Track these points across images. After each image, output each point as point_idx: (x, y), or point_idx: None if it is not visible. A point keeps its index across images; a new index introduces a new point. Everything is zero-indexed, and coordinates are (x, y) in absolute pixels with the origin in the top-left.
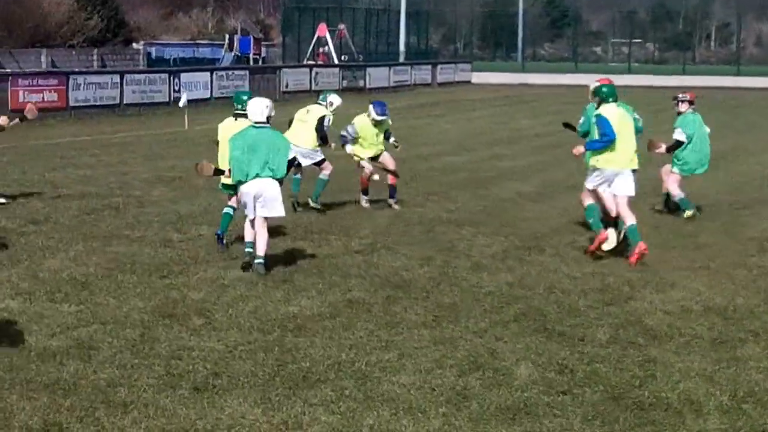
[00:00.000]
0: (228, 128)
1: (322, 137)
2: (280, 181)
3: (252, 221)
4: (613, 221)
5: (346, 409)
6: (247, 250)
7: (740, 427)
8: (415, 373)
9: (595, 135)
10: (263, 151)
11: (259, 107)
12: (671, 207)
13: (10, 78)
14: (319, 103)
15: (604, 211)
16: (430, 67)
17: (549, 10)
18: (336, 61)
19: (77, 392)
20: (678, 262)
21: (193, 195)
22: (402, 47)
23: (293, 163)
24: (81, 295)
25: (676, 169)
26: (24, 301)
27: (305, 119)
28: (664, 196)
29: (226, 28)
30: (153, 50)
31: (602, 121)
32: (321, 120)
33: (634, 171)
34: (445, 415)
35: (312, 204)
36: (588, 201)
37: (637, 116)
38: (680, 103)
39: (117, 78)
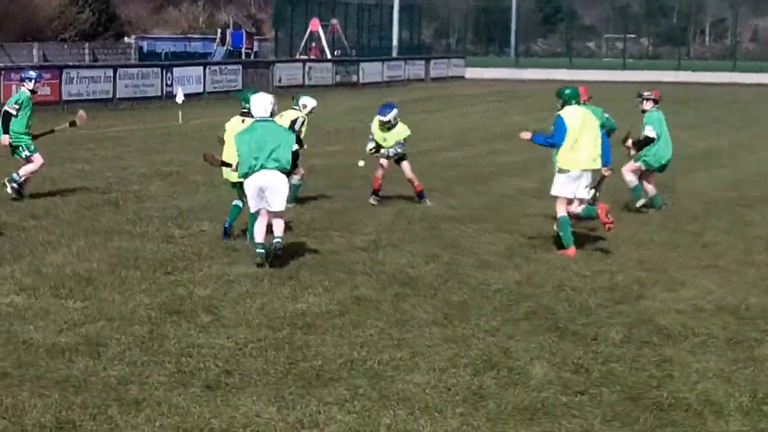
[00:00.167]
0: (235, 128)
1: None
2: (288, 174)
3: (260, 216)
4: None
5: (362, 408)
6: (258, 251)
7: (762, 429)
8: (428, 372)
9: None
10: (269, 145)
11: (262, 103)
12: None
13: (2, 72)
14: (294, 108)
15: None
16: (423, 62)
17: (542, 5)
18: (329, 56)
19: (88, 389)
20: (685, 260)
21: (193, 190)
22: (395, 42)
23: (298, 156)
24: (86, 291)
25: (641, 163)
26: (29, 296)
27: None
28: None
29: (217, 22)
30: (145, 44)
31: (557, 122)
32: (293, 123)
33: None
34: (462, 414)
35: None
36: (561, 212)
37: (608, 116)
38: (645, 101)
39: (110, 72)
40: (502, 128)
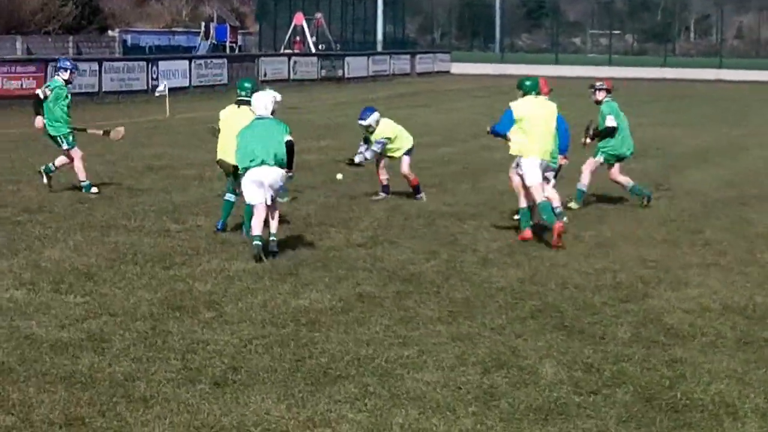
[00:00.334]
0: (230, 114)
1: None
2: (288, 168)
3: (256, 211)
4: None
5: (373, 407)
6: (255, 243)
7: None
8: (437, 370)
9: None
10: (270, 142)
11: (263, 102)
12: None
13: None
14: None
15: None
16: (408, 57)
17: (525, 0)
18: (314, 51)
19: (95, 385)
20: (688, 259)
21: (185, 185)
22: (380, 36)
23: (293, 147)
24: (86, 286)
25: (601, 157)
26: (28, 291)
27: None
28: (629, 189)
29: (200, 15)
30: (129, 38)
31: (506, 111)
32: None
33: (549, 164)
34: (475, 414)
35: None
36: (540, 198)
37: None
38: (597, 92)
39: (95, 66)
40: (491, 124)
